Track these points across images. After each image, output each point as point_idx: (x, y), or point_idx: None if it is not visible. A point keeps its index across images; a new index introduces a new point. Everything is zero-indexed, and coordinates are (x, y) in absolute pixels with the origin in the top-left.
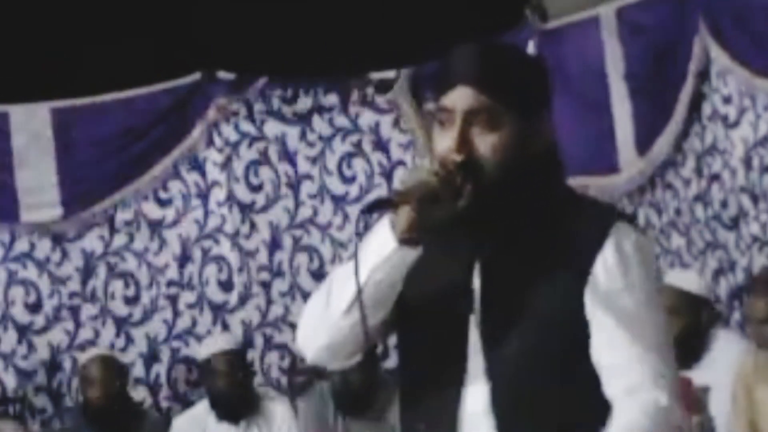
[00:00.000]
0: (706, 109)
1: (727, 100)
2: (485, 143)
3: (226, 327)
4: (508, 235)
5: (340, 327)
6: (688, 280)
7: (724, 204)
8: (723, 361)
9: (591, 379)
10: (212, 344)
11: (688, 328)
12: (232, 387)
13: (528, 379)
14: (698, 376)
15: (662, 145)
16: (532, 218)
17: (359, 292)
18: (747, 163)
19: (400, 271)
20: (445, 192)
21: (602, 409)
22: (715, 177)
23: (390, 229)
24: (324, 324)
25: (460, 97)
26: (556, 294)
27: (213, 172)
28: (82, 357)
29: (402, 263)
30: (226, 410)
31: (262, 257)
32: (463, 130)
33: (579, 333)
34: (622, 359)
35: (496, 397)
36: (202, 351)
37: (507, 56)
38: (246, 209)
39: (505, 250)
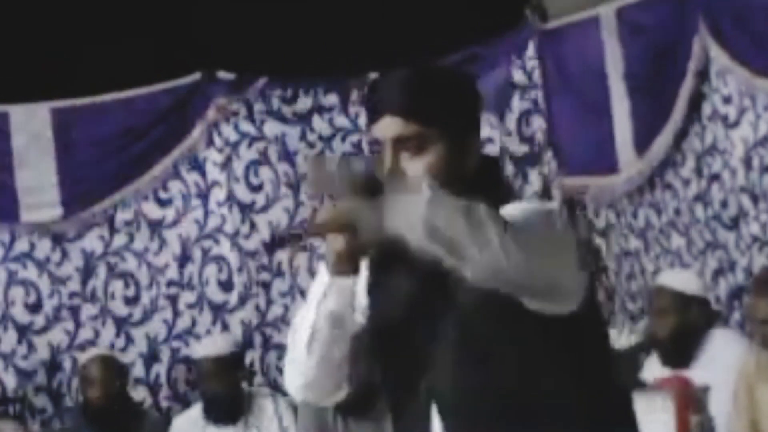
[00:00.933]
0: (706, 109)
1: (727, 100)
2: (415, 168)
3: (225, 327)
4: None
5: (308, 366)
6: (680, 279)
7: (724, 204)
8: (723, 361)
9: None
10: (203, 347)
11: (679, 328)
12: (222, 390)
13: (469, 377)
14: (698, 375)
15: (661, 145)
16: None
17: (312, 330)
18: (747, 163)
19: (346, 300)
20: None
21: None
22: (715, 177)
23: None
24: (295, 365)
25: (387, 126)
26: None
27: (213, 172)
28: (82, 357)
29: (345, 292)
30: (216, 413)
31: (262, 257)
32: (392, 158)
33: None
34: None
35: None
36: (194, 353)
37: (433, 81)
38: (246, 209)
39: (440, 268)
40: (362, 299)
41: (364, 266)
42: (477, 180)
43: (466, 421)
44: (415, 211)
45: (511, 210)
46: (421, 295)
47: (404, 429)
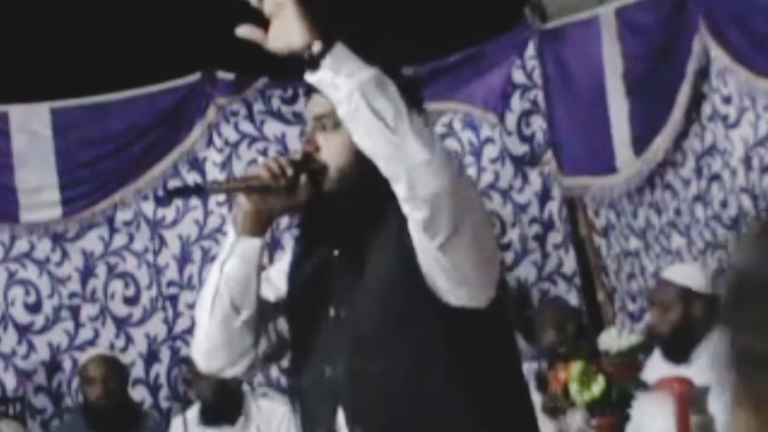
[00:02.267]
0: (706, 109)
1: (727, 100)
2: (328, 143)
3: None
4: (354, 229)
5: (210, 328)
6: (686, 274)
7: (724, 204)
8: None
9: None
10: None
11: (681, 323)
12: (220, 391)
13: (376, 351)
14: (698, 375)
15: (659, 145)
16: (373, 211)
17: (216, 292)
18: (747, 163)
19: (250, 263)
20: (276, 184)
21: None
22: (715, 177)
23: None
24: (200, 329)
25: (312, 105)
26: (391, 266)
27: (213, 172)
28: (83, 357)
29: (248, 254)
30: (215, 414)
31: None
32: (311, 133)
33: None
34: None
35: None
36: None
37: None
38: None
39: (351, 244)
40: (280, 282)
41: (286, 254)
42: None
43: (361, 410)
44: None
45: None
46: (333, 278)
47: (310, 415)
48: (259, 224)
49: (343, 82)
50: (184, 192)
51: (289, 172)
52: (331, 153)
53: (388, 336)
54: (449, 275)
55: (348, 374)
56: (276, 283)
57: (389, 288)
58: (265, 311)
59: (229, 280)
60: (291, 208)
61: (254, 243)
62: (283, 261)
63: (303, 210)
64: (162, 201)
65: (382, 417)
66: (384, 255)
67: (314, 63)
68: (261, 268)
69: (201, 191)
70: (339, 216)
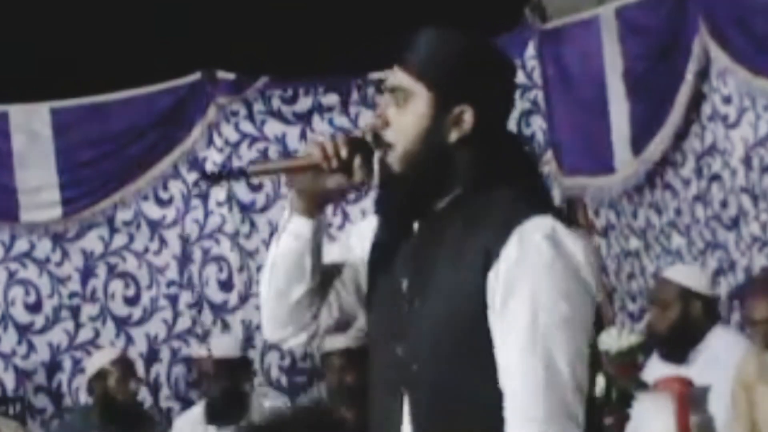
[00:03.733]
0: (706, 109)
1: (727, 100)
2: (397, 121)
3: (226, 327)
4: (423, 218)
5: (267, 300)
6: (686, 274)
7: (724, 204)
8: (723, 361)
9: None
10: (206, 348)
11: (680, 322)
12: (224, 391)
13: (439, 362)
14: (698, 375)
15: (657, 145)
16: (441, 203)
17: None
18: (747, 163)
19: (301, 242)
20: (327, 165)
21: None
22: (715, 177)
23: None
24: (262, 301)
25: (390, 75)
26: (462, 287)
27: None
28: (99, 358)
29: (299, 234)
30: (218, 414)
31: (262, 257)
32: (383, 107)
33: (482, 323)
34: (505, 376)
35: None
36: (196, 353)
37: (438, 38)
38: (246, 209)
39: (420, 234)
40: (366, 243)
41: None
42: (461, 156)
43: (426, 404)
44: None
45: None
46: (408, 261)
47: (378, 409)
48: (311, 204)
49: None
50: (223, 176)
51: (344, 153)
52: (399, 131)
53: (450, 346)
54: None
55: (416, 371)
56: (358, 243)
57: (455, 300)
58: (329, 281)
59: (282, 255)
60: (350, 189)
61: (305, 223)
62: (372, 221)
63: (376, 187)
64: (198, 184)
65: (436, 416)
66: (458, 274)
67: None
68: (318, 246)
69: (242, 174)
70: (405, 201)
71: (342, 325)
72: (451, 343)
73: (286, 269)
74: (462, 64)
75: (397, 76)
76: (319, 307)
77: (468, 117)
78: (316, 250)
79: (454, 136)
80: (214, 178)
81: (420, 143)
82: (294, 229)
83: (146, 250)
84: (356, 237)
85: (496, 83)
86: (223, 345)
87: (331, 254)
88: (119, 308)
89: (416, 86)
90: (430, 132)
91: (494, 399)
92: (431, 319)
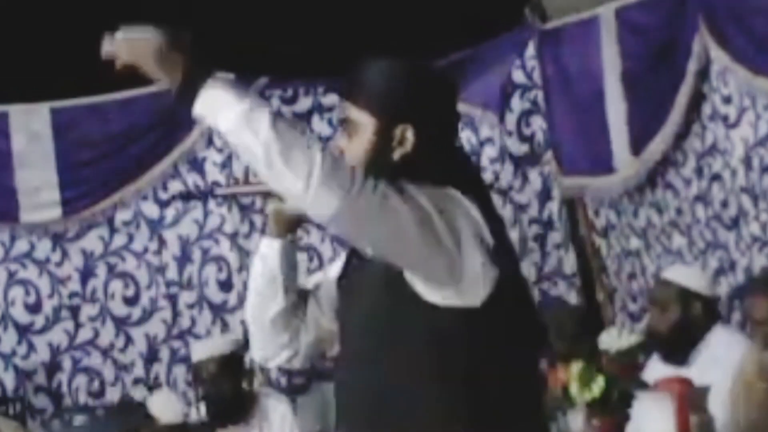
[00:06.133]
0: (706, 109)
1: (727, 100)
2: (349, 150)
3: (225, 327)
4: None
5: (248, 320)
6: (686, 275)
7: (724, 204)
8: (723, 361)
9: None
10: (200, 350)
11: (680, 323)
12: (223, 391)
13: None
14: (698, 375)
15: (657, 145)
16: None
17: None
18: (747, 163)
19: (271, 263)
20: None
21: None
22: (716, 177)
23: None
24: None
25: (340, 110)
26: (381, 270)
27: (213, 172)
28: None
29: (268, 255)
30: (217, 414)
31: None
32: (338, 139)
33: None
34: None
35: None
36: (194, 353)
37: (377, 70)
38: (246, 209)
39: (357, 253)
40: (331, 288)
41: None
42: (398, 170)
43: (345, 414)
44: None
45: None
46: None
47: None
48: (280, 225)
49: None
50: (193, 197)
51: None
52: (351, 158)
53: (375, 341)
54: (413, 279)
55: (338, 382)
56: (337, 265)
57: (377, 292)
58: (305, 302)
59: (254, 276)
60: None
61: (274, 244)
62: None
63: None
64: (164, 203)
65: (364, 419)
66: (377, 261)
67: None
68: (290, 267)
69: (211, 196)
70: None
71: (325, 343)
72: (371, 343)
73: (259, 289)
74: (400, 89)
75: (345, 110)
76: (297, 327)
77: (409, 135)
78: (288, 270)
79: (398, 154)
80: (186, 198)
81: (369, 165)
82: (264, 249)
83: (146, 250)
84: (338, 261)
85: (435, 102)
86: (217, 343)
87: (312, 280)
88: (119, 308)
89: (362, 116)
90: (377, 153)
91: (414, 398)
92: (356, 320)
